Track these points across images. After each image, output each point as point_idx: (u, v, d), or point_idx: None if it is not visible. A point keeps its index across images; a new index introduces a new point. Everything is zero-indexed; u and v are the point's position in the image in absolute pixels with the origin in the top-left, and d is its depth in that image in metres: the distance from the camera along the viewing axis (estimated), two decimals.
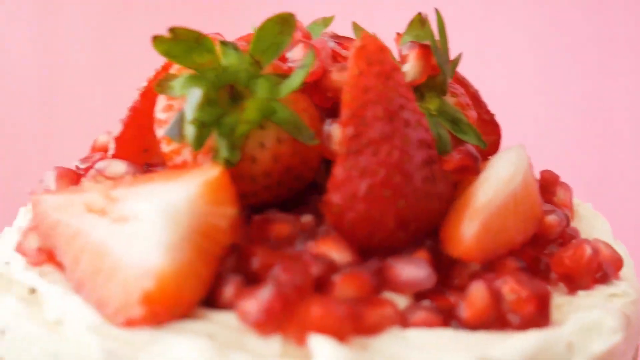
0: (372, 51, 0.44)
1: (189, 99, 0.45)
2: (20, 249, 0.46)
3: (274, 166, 0.46)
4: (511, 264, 0.45)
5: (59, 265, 0.45)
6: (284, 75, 0.47)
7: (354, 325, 0.38)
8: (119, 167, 0.49)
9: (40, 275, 0.45)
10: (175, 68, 0.48)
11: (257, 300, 0.39)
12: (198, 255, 0.40)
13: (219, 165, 0.43)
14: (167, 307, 0.39)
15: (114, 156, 0.52)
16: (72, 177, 0.50)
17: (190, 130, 0.44)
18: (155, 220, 0.40)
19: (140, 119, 0.52)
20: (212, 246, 0.41)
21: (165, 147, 0.47)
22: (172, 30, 0.45)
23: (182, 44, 0.45)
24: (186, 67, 0.46)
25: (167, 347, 0.38)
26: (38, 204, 0.45)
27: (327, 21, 0.60)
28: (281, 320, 0.38)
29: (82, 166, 0.52)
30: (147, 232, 0.40)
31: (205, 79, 0.46)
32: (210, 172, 0.42)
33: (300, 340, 0.38)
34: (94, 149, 0.57)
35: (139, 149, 0.52)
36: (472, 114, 0.53)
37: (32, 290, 0.45)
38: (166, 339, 0.39)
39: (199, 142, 0.44)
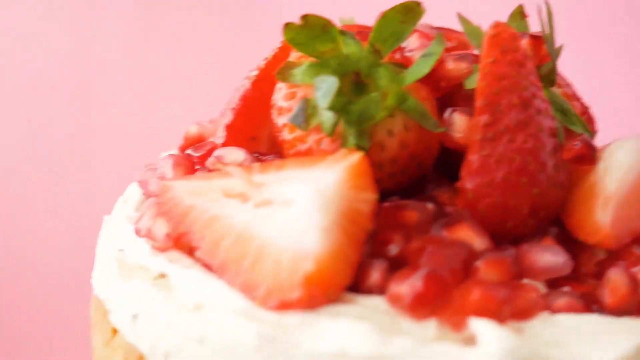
0: (506, 39, 0.44)
1: (322, 86, 0.45)
2: (149, 234, 0.46)
3: (400, 153, 0.46)
4: (637, 252, 0.45)
5: (187, 251, 0.45)
6: (399, 64, 0.48)
7: (511, 309, 0.38)
8: (237, 154, 0.49)
9: (171, 261, 0.45)
10: (294, 56, 0.48)
11: (411, 284, 0.39)
12: (347, 240, 0.40)
13: (358, 152, 0.43)
14: (325, 290, 0.39)
15: (224, 144, 0.52)
16: (187, 165, 0.50)
17: (327, 116, 0.44)
18: (309, 204, 0.40)
19: (250, 107, 0.53)
20: (357, 231, 0.41)
21: (288, 135, 0.47)
22: (304, 17, 0.45)
23: (308, 32, 0.46)
24: (308, 55, 0.47)
25: (325, 330, 0.38)
26: (168, 190, 0.45)
27: None
28: (437, 303, 0.39)
29: (196, 154, 0.52)
30: (302, 216, 0.40)
31: (328, 67, 0.46)
32: (351, 158, 0.42)
33: (459, 324, 0.38)
34: (188, 140, 0.58)
35: (247, 137, 0.53)
36: (577, 104, 0.54)
37: (162, 275, 0.45)
38: (322, 322, 0.39)
39: (334, 128, 0.44)
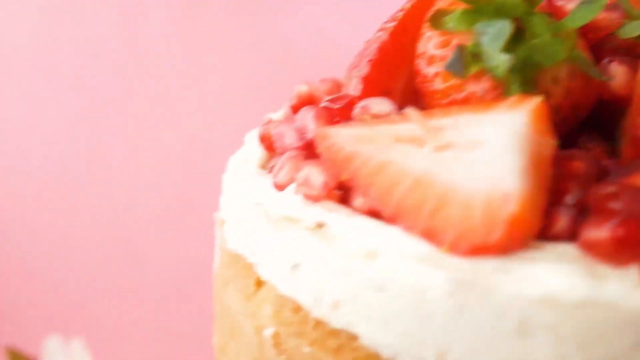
0: None
1: (489, 31, 0.44)
2: (306, 183, 0.45)
3: (564, 102, 0.45)
4: None
5: (339, 200, 0.44)
6: (549, 13, 0.47)
7: None
8: (384, 105, 0.47)
9: (328, 210, 0.44)
10: (444, 3, 0.47)
11: (611, 229, 0.38)
12: (536, 184, 0.39)
13: (537, 97, 0.42)
14: (524, 234, 0.38)
15: (360, 97, 0.50)
16: (328, 117, 0.49)
17: (499, 60, 0.43)
18: (503, 145, 0.39)
19: (387, 58, 0.51)
20: (543, 176, 0.40)
21: (440, 84, 0.46)
22: None
23: None
24: (462, 1, 0.45)
25: (527, 274, 0.37)
26: (327, 138, 0.44)
27: None
28: (638, 249, 0.37)
29: (335, 106, 0.50)
30: (496, 157, 0.38)
31: (484, 13, 0.45)
32: (533, 102, 0.41)
33: None
34: (300, 98, 0.56)
35: (382, 90, 0.51)
36: None
37: (320, 225, 0.44)
38: (522, 266, 0.37)
39: (506, 72, 0.43)
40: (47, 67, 1.02)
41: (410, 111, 0.43)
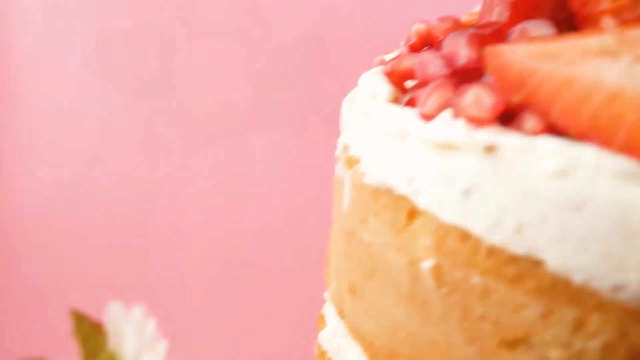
0: None
1: None
2: (475, 104, 0.42)
3: None
4: None
5: (500, 123, 0.41)
6: None
7: None
8: (544, 28, 0.45)
9: (497, 133, 0.41)
10: None
11: None
12: None
13: None
14: None
15: (507, 24, 0.48)
16: (481, 42, 0.46)
17: None
18: None
19: None
20: None
21: (608, 4, 0.43)
22: None
23: None
24: None
25: None
26: (499, 56, 0.41)
27: None
28: None
29: (485, 32, 0.47)
30: None
31: None
32: None
33: None
34: (419, 35, 0.54)
35: (529, 17, 0.49)
36: None
37: (490, 149, 0.41)
38: None
39: None
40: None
41: (607, 19, 0.40)
